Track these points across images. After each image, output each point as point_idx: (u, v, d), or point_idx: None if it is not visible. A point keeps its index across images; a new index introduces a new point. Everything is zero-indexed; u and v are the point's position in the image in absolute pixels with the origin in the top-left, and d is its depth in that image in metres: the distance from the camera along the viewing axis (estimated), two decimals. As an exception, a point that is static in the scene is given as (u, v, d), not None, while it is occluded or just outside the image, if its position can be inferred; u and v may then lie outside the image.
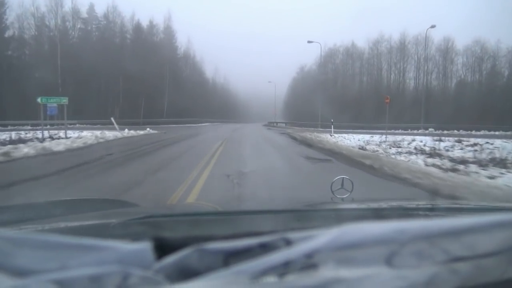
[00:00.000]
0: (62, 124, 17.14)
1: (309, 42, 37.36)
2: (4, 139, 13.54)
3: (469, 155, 9.84)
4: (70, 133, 17.43)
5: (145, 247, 0.45)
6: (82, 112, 32.93)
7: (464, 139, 15.56)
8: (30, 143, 11.41)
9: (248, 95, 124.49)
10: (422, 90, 42.42)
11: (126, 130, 19.90)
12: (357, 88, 50.95)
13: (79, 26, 44.09)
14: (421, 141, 14.73)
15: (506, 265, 0.41)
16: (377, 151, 10.86)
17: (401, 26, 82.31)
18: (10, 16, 38.36)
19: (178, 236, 0.76)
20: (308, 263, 0.39)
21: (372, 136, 18.89)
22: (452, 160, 8.69)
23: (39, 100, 15.31)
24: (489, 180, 5.91)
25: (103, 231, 0.90)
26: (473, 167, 7.36)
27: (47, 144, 11.03)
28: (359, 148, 11.78)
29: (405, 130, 29.06)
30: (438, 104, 41.15)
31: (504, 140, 15.59)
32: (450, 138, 15.74)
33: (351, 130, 28.51)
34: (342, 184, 1.57)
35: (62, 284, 0.37)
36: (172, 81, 46.66)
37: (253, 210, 1.41)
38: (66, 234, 0.57)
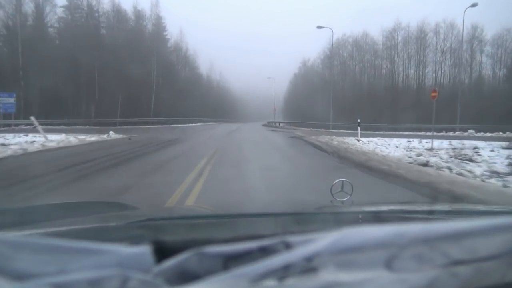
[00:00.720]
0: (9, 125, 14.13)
1: (318, 27, 33.70)
2: None
3: None
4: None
5: (144, 250, 0.45)
6: (53, 112, 28.93)
7: None
8: None
9: (245, 93, 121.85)
10: (455, 86, 36.75)
11: (55, 136, 13.59)
12: (369, 82, 46.00)
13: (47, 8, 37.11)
14: (492, 150, 10.65)
15: (506, 269, 0.41)
16: (447, 168, 7.25)
17: (418, 15, 77.14)
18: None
19: (178, 239, 0.76)
20: (308, 266, 0.39)
21: (410, 141, 15.04)
22: None
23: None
24: None
25: (103, 234, 0.90)
26: None
27: None
28: (418, 164, 7.83)
29: (438, 132, 23.94)
30: (468, 102, 34.62)
31: None
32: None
33: (371, 132, 25.33)
34: (342, 187, 1.56)
35: None
36: (161, 76, 41.65)
37: (253, 213, 1.41)
38: (65, 238, 0.57)
